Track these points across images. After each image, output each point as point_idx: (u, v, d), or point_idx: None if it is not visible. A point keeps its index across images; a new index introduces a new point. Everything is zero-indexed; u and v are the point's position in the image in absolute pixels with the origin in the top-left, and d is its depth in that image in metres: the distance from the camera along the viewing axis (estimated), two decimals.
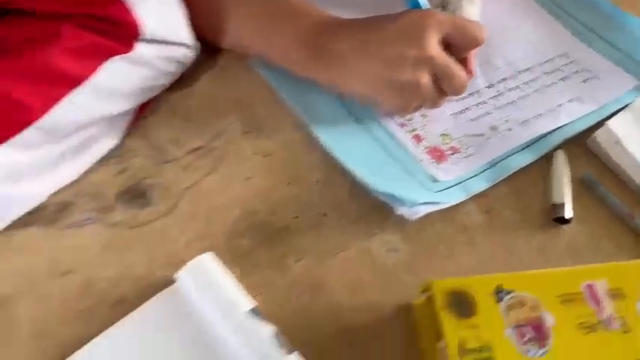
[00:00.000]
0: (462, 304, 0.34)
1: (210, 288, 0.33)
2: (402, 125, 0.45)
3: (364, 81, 0.42)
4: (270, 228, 0.39)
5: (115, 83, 0.38)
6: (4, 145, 0.34)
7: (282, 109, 0.44)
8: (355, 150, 0.42)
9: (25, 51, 0.35)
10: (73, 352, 0.33)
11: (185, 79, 0.44)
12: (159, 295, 0.34)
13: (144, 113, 0.42)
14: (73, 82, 0.36)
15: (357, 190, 0.41)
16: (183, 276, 0.34)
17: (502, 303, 0.34)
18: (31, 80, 0.35)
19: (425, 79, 0.41)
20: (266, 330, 0.32)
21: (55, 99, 0.35)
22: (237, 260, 0.37)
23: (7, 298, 0.34)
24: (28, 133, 0.35)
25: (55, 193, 0.38)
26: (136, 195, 0.39)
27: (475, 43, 0.42)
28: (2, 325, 0.33)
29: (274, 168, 0.42)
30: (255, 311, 0.33)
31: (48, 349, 0.33)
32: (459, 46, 0.42)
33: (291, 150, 0.43)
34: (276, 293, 0.37)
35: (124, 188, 0.39)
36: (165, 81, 0.42)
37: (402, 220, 0.40)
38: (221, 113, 0.44)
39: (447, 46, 0.41)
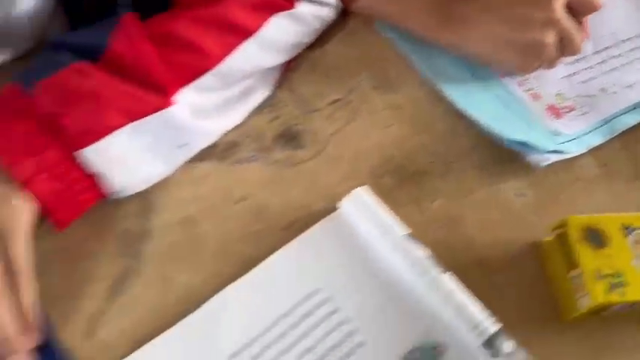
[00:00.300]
0: (595, 238, 0.38)
1: (369, 214, 0.38)
2: (520, 84, 0.49)
3: (489, 42, 0.46)
4: (406, 172, 0.44)
5: (277, 37, 0.42)
6: (187, 87, 0.39)
7: (407, 68, 0.48)
8: (480, 104, 0.47)
9: (207, 5, 0.40)
10: (250, 267, 0.38)
11: (320, 39, 0.48)
12: (324, 220, 0.39)
13: (289, 68, 0.47)
14: (245, 33, 0.41)
15: (482, 140, 0.45)
16: (346, 204, 0.39)
17: (630, 237, 0.38)
18: (212, 30, 0.39)
19: (550, 39, 0.44)
20: (422, 251, 0.37)
21: (230, 48, 0.40)
22: (380, 198, 0.41)
23: (193, 219, 0.40)
24: (206, 79, 0.40)
25: (224, 134, 0.43)
26: (289, 138, 0.44)
27: (592, 8, 0.46)
28: (192, 242, 0.39)
29: (404, 120, 0.46)
30: (410, 235, 0.38)
31: (229, 264, 0.38)
32: (577, 10, 0.45)
33: (418, 104, 0.47)
34: (415, 228, 0.40)
35: (279, 132, 0.44)
36: (310, 38, 0.46)
37: (525, 169, 0.44)
38: (353, 71, 0.48)
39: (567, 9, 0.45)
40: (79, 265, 0.37)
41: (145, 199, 0.40)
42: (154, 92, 0.36)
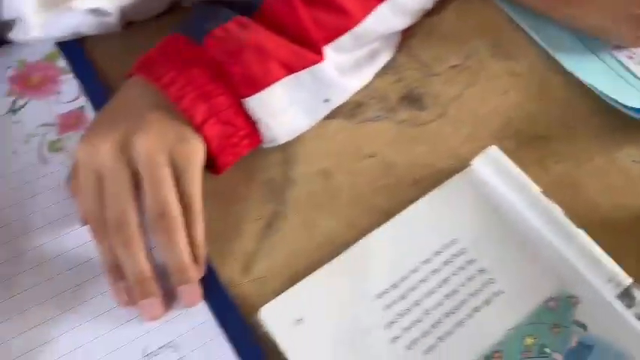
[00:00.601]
0: None
1: (502, 172, 0.40)
2: (630, 57, 0.50)
3: (605, 15, 0.47)
4: (526, 135, 0.45)
5: (407, 1, 0.44)
6: (329, 45, 0.41)
7: (522, 37, 0.50)
8: (595, 73, 0.48)
9: None
10: (382, 218, 0.40)
11: (436, 6, 0.50)
12: (457, 176, 0.41)
13: (408, 34, 0.49)
14: None
15: (597, 108, 0.46)
16: (478, 162, 0.41)
17: None
18: None
19: None
20: (557, 208, 0.39)
21: (369, 9, 0.42)
22: None
23: (328, 172, 0.42)
24: (344, 38, 0.42)
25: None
26: (412, 100, 0.46)
27: None
28: (329, 192, 0.41)
29: (521, 86, 0.47)
30: (544, 193, 0.39)
31: (363, 214, 0.40)
32: None
33: (534, 72, 0.48)
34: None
35: (402, 94, 0.46)
36: (432, 4, 0.48)
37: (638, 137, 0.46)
38: (469, 38, 0.50)
39: None
40: (232, 209, 0.40)
41: (285, 150, 0.42)
42: (307, 48, 0.39)
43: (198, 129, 0.35)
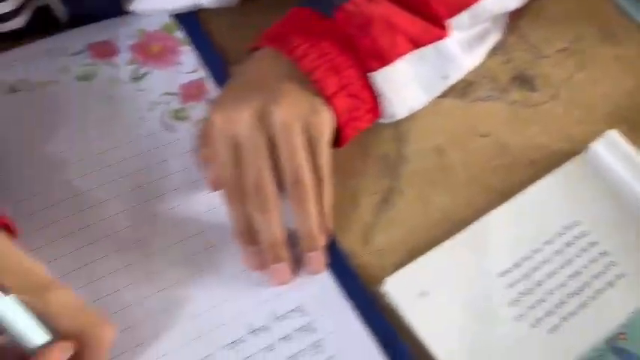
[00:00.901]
0: None
1: (623, 156, 0.40)
2: None
3: None
4: (636, 121, 0.44)
5: None
6: (448, 22, 0.41)
7: (630, 24, 0.49)
8: None
9: None
10: (499, 197, 0.40)
11: None
12: (575, 158, 0.41)
13: (515, 16, 0.48)
14: None
15: None
16: (597, 145, 0.40)
17: None
18: None
19: None
20: None
21: None
22: None
23: (442, 149, 0.42)
24: (463, 16, 0.41)
25: None
26: (523, 81, 0.46)
27: None
28: (444, 169, 0.41)
29: (631, 72, 0.46)
30: None
31: (478, 192, 0.40)
32: None
33: None
34: None
35: (512, 75, 0.46)
36: None
37: None
38: (575, 22, 0.49)
39: None
40: (349, 183, 0.40)
41: (397, 127, 0.42)
42: (431, 23, 0.39)
43: (329, 101, 0.36)
